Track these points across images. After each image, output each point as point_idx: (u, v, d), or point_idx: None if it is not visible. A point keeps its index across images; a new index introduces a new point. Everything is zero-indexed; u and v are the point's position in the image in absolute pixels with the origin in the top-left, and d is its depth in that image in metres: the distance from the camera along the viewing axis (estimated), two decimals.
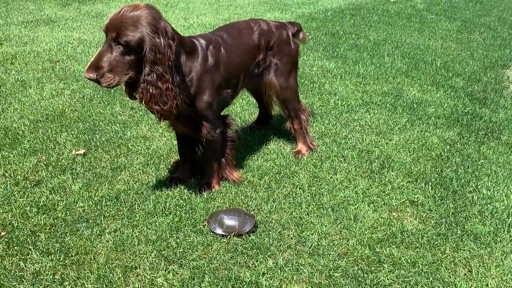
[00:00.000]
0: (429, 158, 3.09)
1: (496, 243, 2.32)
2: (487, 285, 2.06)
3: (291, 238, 2.29)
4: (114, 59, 2.11)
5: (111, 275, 2.02)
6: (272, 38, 2.87)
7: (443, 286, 2.04)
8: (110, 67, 2.11)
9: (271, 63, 2.90)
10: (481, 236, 2.36)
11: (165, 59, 2.15)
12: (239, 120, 3.54)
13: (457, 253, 2.24)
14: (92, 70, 2.10)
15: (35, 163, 2.84)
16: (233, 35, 2.71)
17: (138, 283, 1.99)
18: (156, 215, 2.42)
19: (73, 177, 2.73)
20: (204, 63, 2.44)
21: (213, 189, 2.64)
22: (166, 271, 2.06)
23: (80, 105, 3.67)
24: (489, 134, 3.51)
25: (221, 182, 2.71)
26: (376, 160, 3.02)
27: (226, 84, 2.59)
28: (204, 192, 2.59)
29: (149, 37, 2.10)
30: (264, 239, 2.26)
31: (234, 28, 2.81)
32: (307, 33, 6.10)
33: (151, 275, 2.03)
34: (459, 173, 2.94)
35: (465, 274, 2.12)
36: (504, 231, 2.41)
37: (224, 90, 2.59)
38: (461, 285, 2.04)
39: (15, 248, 2.16)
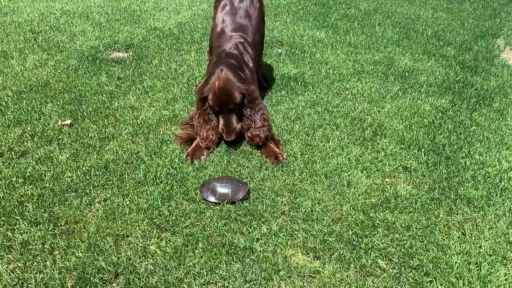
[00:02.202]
0: (421, 125, 3.08)
1: (489, 207, 2.33)
2: (480, 247, 2.06)
3: (285, 205, 2.26)
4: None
5: (102, 243, 1.98)
6: None
7: (437, 249, 2.04)
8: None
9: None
10: (474, 200, 2.36)
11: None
12: None
13: (451, 216, 2.24)
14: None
15: (20, 134, 2.75)
16: (248, 17, 3.08)
17: (130, 251, 1.96)
18: (147, 184, 2.37)
19: (60, 147, 2.65)
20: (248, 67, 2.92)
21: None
22: (159, 239, 2.02)
23: (65, 75, 3.56)
24: (481, 102, 3.49)
25: (214, 152, 2.68)
26: (369, 128, 2.99)
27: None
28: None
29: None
30: (258, 206, 2.23)
31: (243, 5, 3.11)
32: (297, 3, 5.99)
33: (144, 243, 2.00)
34: (451, 139, 2.92)
35: (458, 237, 2.12)
36: (496, 195, 2.42)
37: None
38: (455, 247, 2.05)
39: (2, 218, 2.10)
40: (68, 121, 2.90)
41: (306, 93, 3.43)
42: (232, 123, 2.66)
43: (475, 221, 2.23)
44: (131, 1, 5.77)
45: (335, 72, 3.84)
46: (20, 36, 4.33)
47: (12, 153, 2.57)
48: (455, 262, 1.96)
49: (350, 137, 2.88)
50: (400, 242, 2.06)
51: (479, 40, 4.98)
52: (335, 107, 3.23)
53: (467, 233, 2.14)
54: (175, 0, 5.96)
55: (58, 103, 3.14)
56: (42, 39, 4.28)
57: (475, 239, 2.11)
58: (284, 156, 2.62)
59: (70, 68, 3.69)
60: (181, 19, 5.11)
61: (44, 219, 2.10)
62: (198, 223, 2.13)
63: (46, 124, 2.87)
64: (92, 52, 4.00)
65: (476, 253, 2.03)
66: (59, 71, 3.63)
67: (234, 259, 1.93)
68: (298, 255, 1.97)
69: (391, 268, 1.94)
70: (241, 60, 2.86)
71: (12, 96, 3.20)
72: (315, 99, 3.35)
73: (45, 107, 3.07)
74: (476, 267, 1.96)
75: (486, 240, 2.10)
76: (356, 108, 3.25)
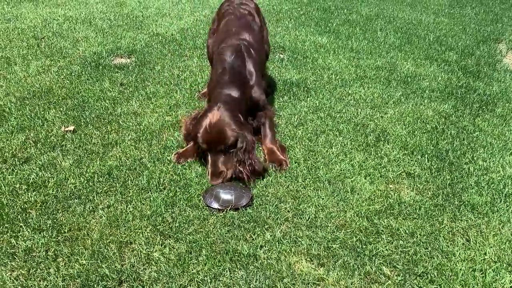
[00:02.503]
0: (424, 131, 3.07)
1: (493, 213, 2.32)
2: (485, 253, 2.05)
3: (288, 211, 2.26)
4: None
5: (105, 250, 1.98)
6: (258, 9, 3.31)
7: (442, 256, 2.03)
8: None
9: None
10: (478, 206, 2.36)
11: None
12: None
13: (455, 223, 2.24)
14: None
15: (23, 140, 2.75)
16: (249, 30, 3.02)
17: (134, 258, 1.95)
18: (150, 191, 2.37)
19: (63, 153, 2.65)
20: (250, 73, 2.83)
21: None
22: (162, 246, 2.02)
23: (68, 81, 3.57)
24: (484, 107, 3.49)
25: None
26: (372, 134, 2.99)
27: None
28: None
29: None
30: (261, 213, 2.23)
31: (243, 21, 3.11)
32: (299, 9, 6.01)
33: (147, 249, 2.00)
34: (454, 145, 2.92)
35: (463, 244, 2.11)
36: (500, 201, 2.41)
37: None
38: (459, 254, 2.04)
39: (6, 225, 2.10)
40: (71, 127, 2.91)
41: (308, 98, 3.43)
42: (218, 167, 2.43)
43: (480, 227, 2.22)
44: (134, 7, 5.79)
45: (338, 77, 3.84)
46: (23, 42, 4.35)
47: (16, 159, 2.58)
48: (460, 269, 1.95)
49: (353, 142, 2.87)
50: (404, 249, 2.05)
51: (481, 45, 4.98)
52: (338, 113, 3.23)
53: (471, 239, 2.13)
54: (178, 6, 5.98)
55: (61, 109, 3.14)
56: (45, 45, 4.29)
57: (479, 246, 2.10)
58: (288, 164, 2.61)
59: (73, 74, 3.70)
60: (183, 25, 5.13)
61: (48, 226, 2.10)
62: (201, 229, 2.12)
63: (49, 130, 2.87)
64: (95, 58, 4.01)
65: (481, 260, 2.02)
66: (62, 77, 3.64)
67: (238, 266, 1.93)
68: (302, 262, 1.97)
69: (396, 275, 1.93)
70: (243, 75, 2.75)
71: (15, 102, 3.21)
72: (317, 104, 3.35)
73: (48, 113, 3.07)
74: (481, 274, 1.95)
75: (491, 247, 2.09)
76: (359, 113, 3.25)
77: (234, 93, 2.64)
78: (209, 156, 2.46)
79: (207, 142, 2.45)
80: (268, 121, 2.85)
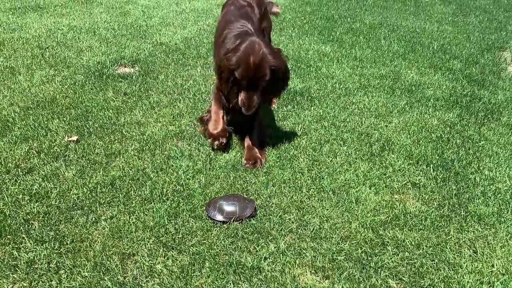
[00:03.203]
0: (429, 140, 3.05)
1: (500, 224, 2.29)
2: (492, 265, 2.02)
3: (292, 222, 2.24)
4: None
5: (108, 262, 1.96)
6: (262, 4, 3.34)
7: (448, 268, 2.00)
8: None
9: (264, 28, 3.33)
10: (485, 217, 2.33)
11: None
12: None
13: (462, 234, 2.21)
14: None
15: (26, 150, 2.75)
16: (248, 18, 3.02)
17: (137, 270, 1.93)
18: (153, 201, 2.35)
19: (66, 164, 2.64)
20: None
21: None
22: (165, 258, 2.00)
23: (71, 91, 3.57)
24: (489, 116, 3.47)
25: (222, 166, 2.70)
26: (376, 143, 2.97)
27: None
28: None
29: None
30: (265, 224, 2.21)
31: (242, 11, 3.11)
32: (302, 18, 6.02)
33: (150, 261, 1.97)
34: (460, 154, 2.89)
35: (470, 255, 2.08)
36: (508, 212, 2.38)
37: None
38: (466, 266, 2.01)
39: (8, 237, 2.09)
40: (75, 137, 2.90)
41: (312, 107, 3.42)
42: (254, 99, 2.58)
43: (487, 238, 2.19)
44: (138, 17, 5.81)
45: (341, 86, 3.83)
46: (28, 52, 4.37)
47: (19, 169, 2.57)
48: (467, 282, 1.92)
49: (357, 152, 2.85)
50: (410, 261, 2.03)
51: (486, 53, 4.96)
52: (342, 122, 3.22)
53: (478, 251, 2.10)
54: (181, 15, 6.00)
55: (65, 119, 3.14)
56: (49, 55, 4.31)
57: (487, 258, 2.07)
58: (263, 164, 2.68)
59: (76, 83, 3.70)
60: (187, 34, 5.14)
61: (50, 237, 2.09)
62: (204, 241, 2.10)
63: (53, 141, 2.87)
64: (98, 67, 4.02)
65: (489, 272, 1.99)
66: (66, 86, 3.65)
67: (242, 278, 1.90)
68: (306, 274, 1.94)
69: None
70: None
71: (19, 112, 3.21)
72: (321, 113, 3.33)
73: (52, 123, 3.07)
74: (489, 286, 1.92)
75: (499, 259, 2.06)
76: (363, 123, 3.23)
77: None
78: (244, 90, 2.58)
79: (246, 79, 2.54)
80: (258, 119, 2.92)
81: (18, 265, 1.94)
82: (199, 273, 1.92)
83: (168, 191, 2.42)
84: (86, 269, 1.92)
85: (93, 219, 2.22)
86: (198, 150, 2.79)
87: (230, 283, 1.87)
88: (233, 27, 2.91)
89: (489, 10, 7.14)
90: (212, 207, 2.25)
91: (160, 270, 1.93)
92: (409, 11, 6.77)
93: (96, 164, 2.65)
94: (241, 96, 2.60)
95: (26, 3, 6.15)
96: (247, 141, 2.82)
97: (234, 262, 1.97)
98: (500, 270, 2.00)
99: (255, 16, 3.19)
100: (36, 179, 2.49)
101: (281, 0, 6.85)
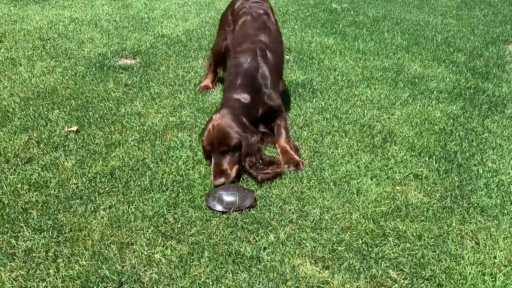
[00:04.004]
0: (432, 132, 3.02)
1: (503, 216, 2.26)
2: (495, 257, 2.00)
3: (293, 213, 2.22)
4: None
5: (106, 251, 1.94)
6: (271, 8, 3.28)
7: (450, 259, 1.97)
8: None
9: None
10: (487, 209, 2.30)
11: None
12: None
13: (464, 225, 2.18)
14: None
15: (26, 140, 2.74)
16: (266, 31, 2.99)
17: (135, 259, 1.92)
18: (153, 191, 2.33)
19: (66, 154, 2.63)
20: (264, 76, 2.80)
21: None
22: (164, 247, 1.98)
23: (72, 82, 3.55)
24: (493, 108, 3.43)
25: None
26: (378, 135, 2.94)
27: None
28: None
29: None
30: (265, 214, 2.19)
31: (259, 21, 3.06)
32: (305, 10, 5.98)
33: (148, 251, 1.96)
34: (463, 146, 2.86)
35: (472, 247, 2.06)
36: (511, 204, 2.35)
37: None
38: (468, 257, 1.98)
39: (6, 225, 2.08)
40: (75, 128, 2.89)
41: (314, 99, 3.39)
42: (221, 166, 2.41)
43: (489, 230, 2.16)
44: (139, 9, 5.79)
45: (344, 78, 3.80)
46: (29, 44, 4.35)
47: (18, 159, 2.56)
48: (469, 273, 1.90)
49: (359, 144, 2.82)
50: (411, 252, 2.00)
51: (490, 46, 4.91)
52: (344, 114, 3.19)
53: (481, 242, 2.08)
54: (183, 7, 5.97)
55: (65, 109, 3.13)
56: (51, 46, 4.29)
57: (489, 249, 2.04)
58: (304, 164, 2.57)
59: (77, 74, 3.69)
60: (189, 26, 5.11)
61: (48, 226, 2.07)
62: (204, 231, 2.09)
63: (53, 131, 2.86)
64: (99, 59, 4.00)
65: (491, 264, 1.96)
66: (67, 77, 3.63)
67: (241, 268, 1.88)
68: (306, 264, 1.92)
69: (403, 279, 1.88)
70: (256, 80, 2.74)
71: (19, 102, 3.20)
72: (323, 105, 3.30)
73: (52, 114, 3.06)
74: (491, 278, 1.89)
75: (501, 250, 2.03)
76: (365, 114, 3.20)
77: (244, 98, 2.64)
78: (212, 158, 2.45)
79: (210, 144, 2.46)
80: (283, 122, 2.83)
81: (16, 253, 1.93)
82: (197, 263, 1.91)
83: (167, 181, 2.41)
84: (84, 258, 1.91)
85: (92, 208, 2.20)
86: (199, 141, 2.77)
87: (228, 273, 1.86)
88: (245, 47, 2.85)
89: (494, 3, 7.07)
90: (211, 197, 2.24)
91: (158, 260, 1.92)
92: (413, 4, 6.71)
93: (96, 154, 2.63)
94: (212, 164, 2.45)
95: None
96: (279, 145, 2.73)
97: (233, 252, 1.95)
98: (503, 262, 1.97)
99: (272, 24, 3.14)
100: (35, 169, 2.47)
101: None
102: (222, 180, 2.38)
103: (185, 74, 3.78)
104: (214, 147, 2.44)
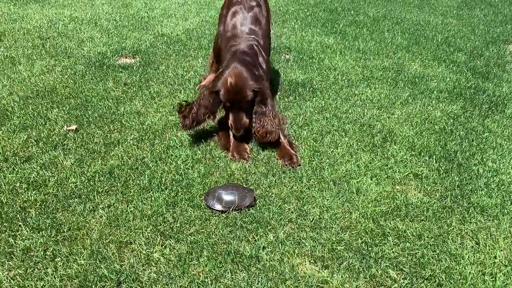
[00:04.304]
0: (432, 132, 3.01)
1: (503, 215, 2.25)
2: (495, 257, 1.99)
3: (292, 212, 2.21)
4: None
5: (105, 250, 1.94)
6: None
7: (450, 259, 1.96)
8: None
9: None
10: (488, 209, 2.29)
11: None
12: None
13: (464, 225, 2.17)
14: None
15: (25, 139, 2.73)
16: (258, 23, 3.11)
17: (134, 258, 1.91)
18: (152, 190, 2.32)
19: (65, 153, 2.62)
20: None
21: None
22: (163, 246, 1.98)
23: (71, 81, 3.55)
24: (493, 108, 3.42)
25: (221, 156, 2.66)
26: (378, 134, 2.93)
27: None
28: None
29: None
30: (264, 213, 2.18)
31: (251, 11, 3.15)
32: (306, 10, 5.97)
33: (147, 250, 1.95)
34: (463, 146, 2.85)
35: (472, 247, 2.05)
36: (511, 203, 2.34)
37: None
38: (468, 257, 1.97)
39: (4, 224, 2.07)
40: (74, 127, 2.88)
41: (314, 99, 3.38)
42: (241, 119, 2.66)
43: (489, 230, 2.15)
44: (139, 8, 5.78)
45: (344, 78, 3.79)
46: (28, 42, 4.34)
47: (17, 158, 2.55)
48: (469, 273, 1.89)
49: (359, 143, 2.82)
50: (411, 252, 1.99)
51: (490, 46, 4.90)
52: (344, 113, 3.18)
53: (481, 242, 2.07)
54: (183, 7, 5.96)
55: (64, 108, 3.12)
56: (50, 45, 4.28)
57: (489, 249, 2.03)
58: (299, 159, 2.59)
59: (77, 73, 3.68)
60: (188, 26, 5.11)
61: (47, 225, 2.07)
62: (203, 230, 2.08)
63: (52, 130, 2.85)
64: (99, 58, 3.99)
65: (491, 264, 1.95)
66: (66, 76, 3.62)
67: (240, 267, 1.88)
68: (305, 264, 1.91)
69: (402, 279, 1.87)
70: (256, 60, 2.88)
71: (18, 101, 3.19)
72: (323, 105, 3.29)
73: (51, 113, 3.05)
74: (491, 278, 1.88)
75: (501, 250, 2.03)
76: (365, 114, 3.19)
77: (249, 59, 2.81)
78: (230, 113, 2.68)
79: (229, 101, 2.65)
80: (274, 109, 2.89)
81: (14, 252, 1.92)
82: (196, 262, 1.90)
83: (166, 180, 2.40)
84: (83, 257, 1.90)
85: (91, 207, 2.20)
86: (198, 140, 2.76)
87: (227, 272, 1.85)
88: (240, 42, 2.97)
89: (495, 3, 7.06)
90: (211, 196, 2.23)
91: (157, 259, 1.91)
92: (414, 4, 6.70)
93: (95, 153, 2.63)
94: (230, 119, 2.70)
95: None
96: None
97: (232, 251, 1.94)
98: (503, 262, 1.97)
99: (263, 17, 3.20)
100: (34, 168, 2.47)
101: None
102: (242, 132, 2.66)
103: (185, 73, 3.77)
104: (234, 104, 2.65)
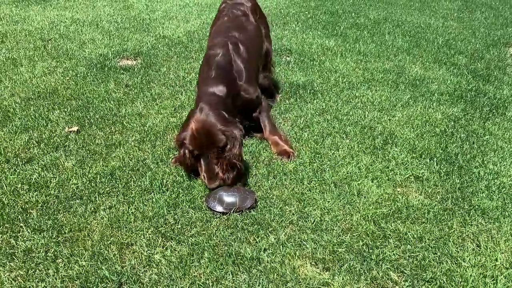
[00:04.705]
0: (433, 134, 3.01)
1: (504, 218, 2.25)
2: (496, 259, 1.99)
3: (293, 214, 2.21)
4: None
5: (106, 252, 1.94)
6: (257, 8, 3.32)
7: (451, 261, 1.96)
8: None
9: (263, 32, 3.29)
10: (489, 211, 2.29)
11: None
12: None
13: (465, 228, 2.17)
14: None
15: (26, 140, 2.73)
16: (240, 29, 2.98)
17: (135, 260, 1.91)
18: (153, 192, 2.33)
19: (66, 154, 2.63)
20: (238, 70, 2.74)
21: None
22: (164, 248, 1.98)
23: (73, 82, 3.55)
24: (494, 110, 3.42)
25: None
26: (379, 136, 2.93)
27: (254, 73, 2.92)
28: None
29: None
30: (265, 215, 2.18)
31: (236, 21, 3.08)
32: (306, 12, 5.98)
33: (148, 251, 1.95)
34: (464, 148, 2.85)
35: (473, 249, 2.05)
36: None
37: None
38: (470, 259, 1.97)
39: (6, 225, 2.07)
40: (75, 128, 2.89)
41: (315, 101, 3.39)
42: (213, 169, 2.33)
43: (490, 232, 2.15)
44: (141, 10, 5.79)
45: (345, 80, 3.79)
46: (30, 44, 4.36)
47: (18, 159, 2.55)
48: (470, 275, 1.89)
49: (360, 145, 2.82)
50: (412, 254, 1.99)
51: (491, 49, 4.91)
52: (345, 115, 3.18)
53: (482, 245, 2.07)
54: (185, 9, 5.97)
55: (66, 110, 3.12)
56: (52, 47, 4.29)
57: (490, 252, 2.03)
58: (295, 154, 2.64)
59: (78, 75, 3.69)
60: (190, 28, 5.12)
61: (48, 226, 2.07)
62: (204, 232, 2.08)
63: (53, 131, 2.85)
64: (100, 59, 4.00)
65: (492, 266, 1.95)
66: (68, 78, 3.63)
67: (241, 269, 1.88)
68: (306, 266, 1.91)
69: (403, 281, 1.87)
70: (229, 72, 2.67)
71: (20, 102, 3.20)
72: (324, 107, 3.30)
73: (53, 114, 3.06)
74: (492, 280, 1.88)
75: (502, 253, 2.03)
76: (366, 116, 3.19)
77: (219, 91, 2.55)
78: (201, 161, 2.35)
79: (198, 147, 2.34)
80: (264, 113, 2.86)
81: (16, 253, 1.92)
82: (197, 264, 1.90)
83: (168, 182, 2.40)
84: (84, 258, 1.90)
85: (92, 208, 2.20)
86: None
87: (228, 274, 1.85)
88: (217, 41, 2.84)
89: (495, 6, 7.07)
90: (212, 198, 2.23)
91: (158, 260, 1.91)
92: (414, 6, 6.71)
93: (96, 155, 2.63)
94: (202, 169, 2.36)
95: None
96: (268, 137, 2.79)
97: (233, 253, 1.94)
98: (504, 264, 1.96)
99: (250, 25, 3.12)
100: (36, 169, 2.47)
101: None
102: (217, 183, 2.31)
103: (186, 75, 3.77)
104: (203, 150, 2.34)
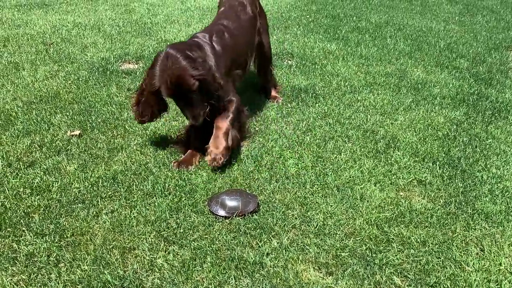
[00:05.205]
0: (435, 138, 3.00)
1: (508, 222, 2.24)
2: (500, 264, 1.98)
3: (296, 218, 2.20)
4: None
5: (108, 256, 1.93)
6: (256, 1, 3.38)
7: (455, 266, 1.96)
8: None
9: (260, 26, 3.34)
10: (492, 215, 2.28)
11: None
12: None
13: (468, 232, 2.16)
14: None
15: (28, 144, 2.73)
16: (232, 18, 3.05)
17: (137, 264, 1.91)
18: (155, 196, 2.32)
19: (68, 158, 2.63)
20: (214, 52, 2.70)
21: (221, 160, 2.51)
22: (166, 252, 1.97)
23: (75, 86, 3.56)
24: (496, 114, 3.42)
25: (226, 160, 2.55)
26: (382, 140, 2.93)
27: (236, 64, 2.94)
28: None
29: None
30: (268, 219, 2.17)
31: (230, 10, 3.15)
32: (308, 16, 5.99)
33: (151, 256, 1.95)
34: (467, 152, 2.85)
35: (477, 253, 2.04)
36: None
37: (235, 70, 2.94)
38: (473, 264, 1.96)
39: (8, 229, 2.07)
40: (77, 132, 2.89)
41: (317, 104, 3.38)
42: (194, 109, 2.46)
43: (494, 236, 2.14)
44: (143, 14, 5.80)
45: (347, 83, 3.79)
46: (32, 48, 4.36)
47: (20, 163, 2.55)
48: (474, 280, 1.88)
49: (362, 149, 2.81)
50: (415, 258, 1.98)
51: (493, 52, 4.91)
52: (347, 119, 3.18)
53: (485, 249, 2.06)
54: (186, 13, 5.98)
55: (68, 113, 3.12)
56: (54, 51, 4.30)
57: (494, 256, 2.02)
58: (223, 158, 2.51)
59: (80, 79, 3.69)
60: (191, 32, 5.12)
61: (50, 230, 2.07)
62: (206, 236, 2.07)
63: (55, 135, 2.85)
64: (102, 63, 4.00)
65: (496, 271, 1.94)
66: (70, 82, 3.63)
67: (244, 274, 1.87)
68: (309, 270, 1.90)
69: (407, 285, 1.86)
70: (203, 50, 2.66)
71: (22, 106, 3.20)
72: (326, 110, 3.30)
73: (55, 118, 3.06)
74: (497, 285, 1.87)
75: (506, 257, 2.02)
76: (368, 120, 3.19)
77: (190, 43, 2.64)
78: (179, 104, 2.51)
79: (172, 95, 2.47)
80: (232, 113, 2.69)
81: (18, 257, 1.92)
82: (200, 268, 1.89)
83: (170, 186, 2.40)
84: (86, 262, 1.90)
85: (94, 212, 2.20)
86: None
87: (231, 278, 1.84)
88: (206, 28, 2.96)
89: (497, 10, 7.07)
90: (214, 202, 2.22)
91: (160, 265, 1.90)
92: (416, 10, 6.72)
93: (98, 159, 2.63)
94: (184, 112, 2.52)
95: (32, 0, 6.16)
96: (217, 123, 2.64)
97: (236, 257, 1.94)
98: (508, 269, 1.96)
99: (245, 15, 3.17)
100: (38, 173, 2.47)
101: None
102: (201, 120, 2.47)
103: None
104: (178, 97, 2.46)
